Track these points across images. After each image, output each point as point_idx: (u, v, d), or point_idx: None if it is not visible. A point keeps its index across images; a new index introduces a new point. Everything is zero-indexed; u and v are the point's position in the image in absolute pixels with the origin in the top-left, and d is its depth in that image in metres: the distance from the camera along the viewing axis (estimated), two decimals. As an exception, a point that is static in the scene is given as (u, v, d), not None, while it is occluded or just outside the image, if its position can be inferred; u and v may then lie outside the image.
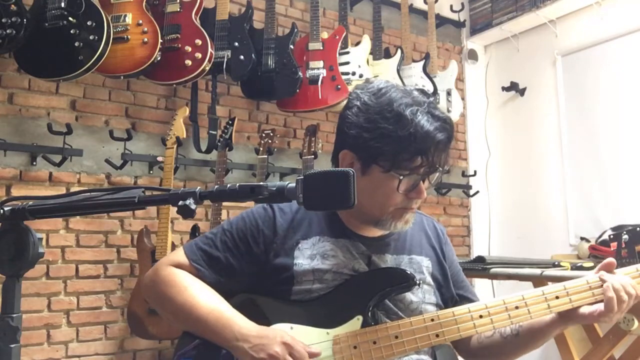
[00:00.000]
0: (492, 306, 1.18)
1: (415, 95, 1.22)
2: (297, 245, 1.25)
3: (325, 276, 1.23)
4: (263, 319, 1.18)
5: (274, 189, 0.90)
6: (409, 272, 1.21)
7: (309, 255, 1.24)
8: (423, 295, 1.28)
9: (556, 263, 2.40)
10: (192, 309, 1.17)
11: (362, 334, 1.16)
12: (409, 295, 1.25)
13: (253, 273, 1.25)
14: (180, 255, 1.27)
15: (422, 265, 1.31)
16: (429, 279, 1.31)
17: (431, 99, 1.23)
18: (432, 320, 1.17)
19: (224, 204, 2.72)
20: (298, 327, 1.18)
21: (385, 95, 1.21)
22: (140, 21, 2.49)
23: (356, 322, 1.18)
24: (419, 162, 1.17)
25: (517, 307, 1.18)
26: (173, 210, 2.51)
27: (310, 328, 1.18)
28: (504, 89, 4.03)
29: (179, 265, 1.25)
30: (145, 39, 2.47)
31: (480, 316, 1.18)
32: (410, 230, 1.35)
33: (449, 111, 3.49)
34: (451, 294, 1.36)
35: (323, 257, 1.24)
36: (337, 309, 1.19)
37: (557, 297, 1.20)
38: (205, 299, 1.19)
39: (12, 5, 2.22)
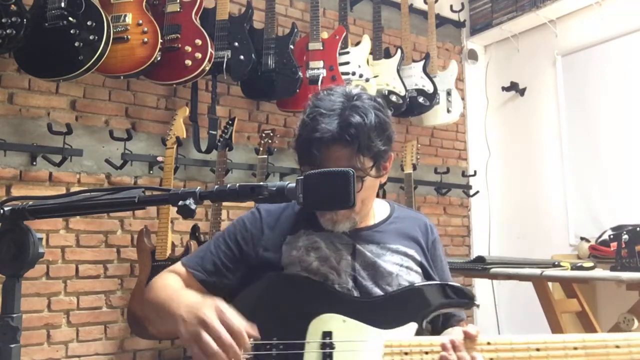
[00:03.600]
0: (551, 342, 1.14)
1: (337, 98, 1.24)
2: (284, 240, 1.30)
3: (311, 266, 1.26)
4: (312, 305, 1.20)
5: (274, 189, 0.90)
6: (472, 293, 1.22)
7: (296, 247, 1.29)
8: (412, 280, 1.31)
9: (556, 263, 2.40)
10: (164, 301, 1.17)
11: (414, 342, 1.14)
12: (398, 279, 1.28)
13: (244, 270, 1.31)
14: (178, 265, 1.34)
15: (407, 254, 1.34)
16: (416, 267, 1.34)
17: (356, 103, 1.23)
18: (488, 343, 1.14)
19: (224, 204, 2.72)
20: (351, 321, 1.18)
21: (312, 98, 1.28)
22: (140, 21, 2.49)
23: (410, 329, 1.18)
24: (309, 166, 1.20)
25: (575, 348, 1.13)
26: (173, 210, 2.51)
27: (364, 325, 1.18)
28: (504, 89, 4.03)
29: (176, 272, 1.32)
30: (145, 39, 2.47)
31: (537, 349, 1.14)
32: (401, 224, 1.39)
33: (449, 111, 3.49)
34: None
35: (307, 249, 1.28)
36: (394, 312, 1.20)
37: (617, 347, 1.13)
38: (174, 290, 1.21)
39: (12, 5, 2.22)
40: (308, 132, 1.21)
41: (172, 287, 1.24)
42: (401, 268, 1.30)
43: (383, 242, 1.33)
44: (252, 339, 1.08)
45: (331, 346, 1.14)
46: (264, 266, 1.28)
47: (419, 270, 1.34)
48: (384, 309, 1.21)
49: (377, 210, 1.39)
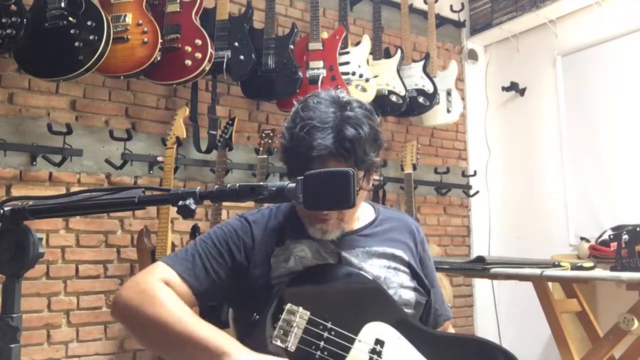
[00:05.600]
0: None
1: (329, 108, 1.21)
2: (272, 253, 1.27)
3: None
4: (375, 308, 1.22)
5: (274, 189, 0.90)
6: None
7: (284, 259, 1.26)
8: (401, 280, 1.31)
9: (556, 263, 2.39)
10: (188, 331, 1.08)
11: None
12: (386, 282, 1.28)
13: (234, 280, 1.26)
14: (165, 269, 1.20)
15: (395, 255, 1.34)
16: (404, 268, 1.34)
17: (348, 113, 1.20)
18: None
19: (224, 204, 2.72)
20: (405, 341, 1.20)
21: (299, 106, 1.25)
22: (140, 21, 2.49)
23: None
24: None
25: None
26: (173, 210, 2.51)
27: (415, 350, 1.20)
28: (504, 89, 4.03)
29: (167, 281, 1.17)
30: (145, 39, 2.47)
31: None
32: (388, 226, 1.39)
33: (449, 111, 3.49)
34: (424, 284, 1.37)
35: (294, 261, 1.26)
36: (448, 353, 1.24)
37: None
38: (201, 324, 1.11)
39: (12, 5, 2.22)
40: (306, 148, 1.17)
41: (188, 314, 1.11)
42: (388, 270, 1.30)
43: (368, 246, 1.32)
44: (309, 312, 1.15)
45: (380, 355, 1.16)
46: (254, 281, 1.25)
47: (407, 270, 1.34)
48: (438, 345, 1.23)
49: (361, 214, 1.38)
